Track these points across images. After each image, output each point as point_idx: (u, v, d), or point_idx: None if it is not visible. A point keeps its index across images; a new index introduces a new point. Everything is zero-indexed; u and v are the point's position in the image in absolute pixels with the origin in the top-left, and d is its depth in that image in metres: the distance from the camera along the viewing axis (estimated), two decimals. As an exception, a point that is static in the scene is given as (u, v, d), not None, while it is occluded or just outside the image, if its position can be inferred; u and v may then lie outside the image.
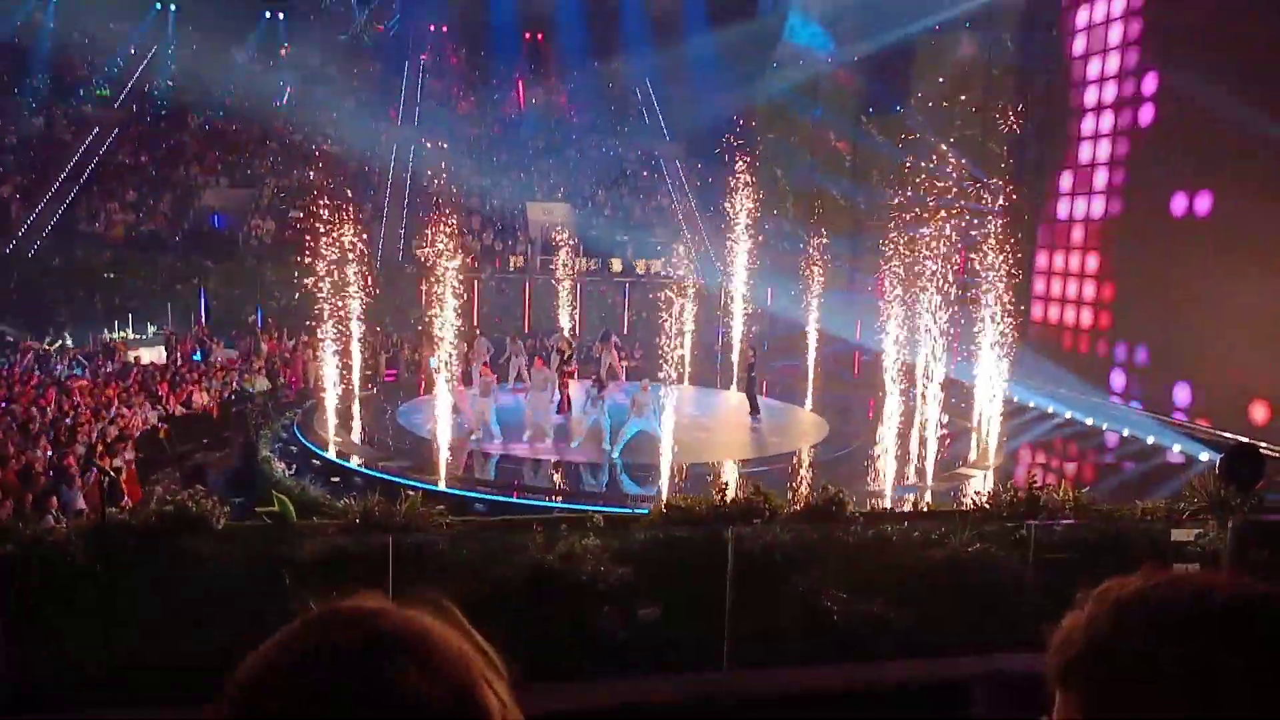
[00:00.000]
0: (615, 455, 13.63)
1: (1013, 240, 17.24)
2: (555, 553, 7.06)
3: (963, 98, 23.69)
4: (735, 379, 19.57)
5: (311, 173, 27.82)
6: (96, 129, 29.91)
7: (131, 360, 19.73)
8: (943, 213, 15.81)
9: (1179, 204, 17.04)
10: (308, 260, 16.12)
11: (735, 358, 20.05)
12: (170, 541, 6.75)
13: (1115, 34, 19.36)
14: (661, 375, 13.87)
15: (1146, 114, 18.32)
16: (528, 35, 37.83)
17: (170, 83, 33.06)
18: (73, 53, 32.90)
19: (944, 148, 15.55)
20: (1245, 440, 13.06)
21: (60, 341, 21.44)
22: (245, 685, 0.78)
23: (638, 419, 13.63)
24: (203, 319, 23.66)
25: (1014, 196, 19.71)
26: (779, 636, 7.07)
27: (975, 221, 16.35)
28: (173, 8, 34.80)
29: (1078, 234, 20.34)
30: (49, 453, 11.95)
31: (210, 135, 31.21)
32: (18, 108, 29.91)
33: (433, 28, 37.59)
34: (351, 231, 16.28)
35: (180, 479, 12.31)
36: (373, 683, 0.75)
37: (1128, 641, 0.88)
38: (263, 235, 27.20)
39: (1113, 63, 19.41)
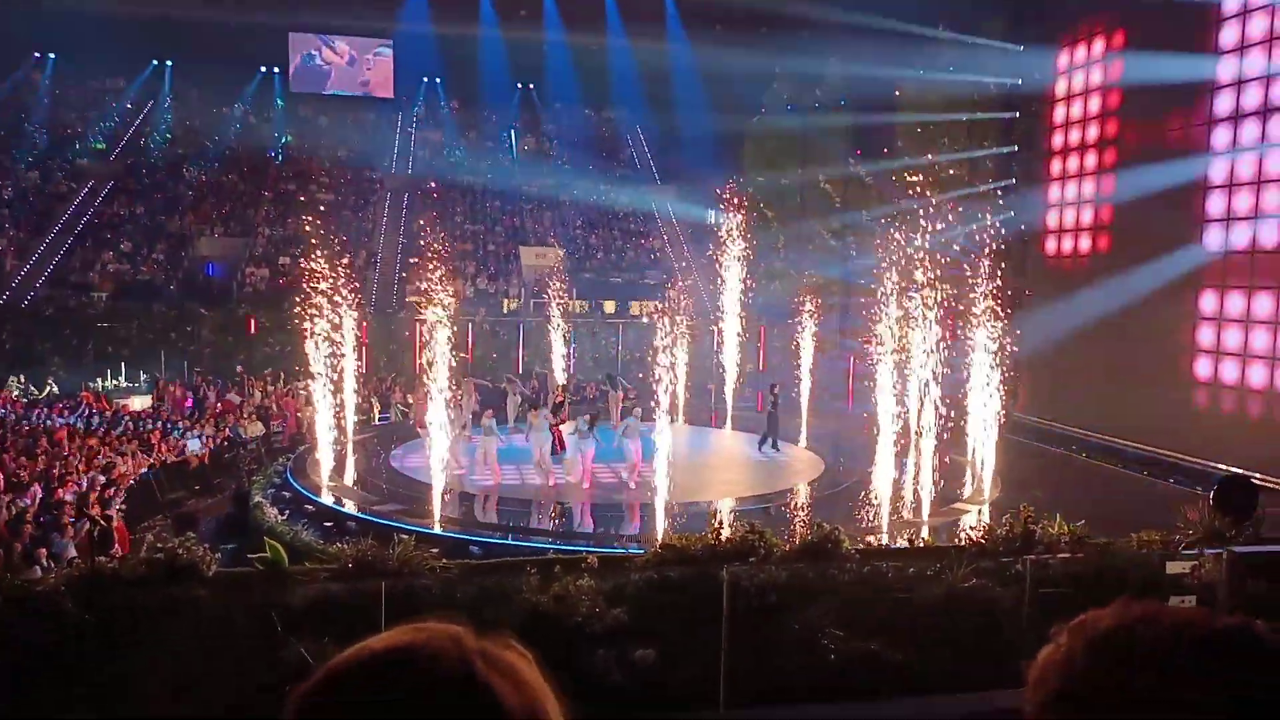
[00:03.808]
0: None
1: (1002, 277, 17.37)
2: (549, 594, 7.01)
3: (945, 140, 24.09)
4: (762, 410, 19.41)
5: (305, 221, 28.09)
6: (92, 182, 30.16)
7: (121, 409, 19.66)
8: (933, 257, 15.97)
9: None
10: (301, 306, 16.18)
11: (730, 395, 20.37)
12: (161, 590, 6.68)
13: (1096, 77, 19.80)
14: (643, 409, 13.97)
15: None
16: (519, 85, 38.68)
17: (167, 135, 33.46)
18: (69, 108, 33.31)
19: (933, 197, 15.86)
20: (1237, 471, 13.06)
21: (49, 390, 21.37)
22: (348, 671, 0.90)
23: (628, 441, 13.96)
24: (192, 367, 23.63)
25: (1002, 245, 19.86)
26: (775, 676, 7.01)
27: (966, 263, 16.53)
28: (169, 63, 35.35)
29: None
30: (38, 500, 11.86)
31: (205, 187, 31.49)
32: (14, 162, 30.16)
33: (426, 79, 38.41)
34: (345, 278, 16.37)
35: (172, 526, 12.20)
36: (471, 679, 0.89)
37: (1105, 678, 0.88)
38: (256, 283, 27.34)
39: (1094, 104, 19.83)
